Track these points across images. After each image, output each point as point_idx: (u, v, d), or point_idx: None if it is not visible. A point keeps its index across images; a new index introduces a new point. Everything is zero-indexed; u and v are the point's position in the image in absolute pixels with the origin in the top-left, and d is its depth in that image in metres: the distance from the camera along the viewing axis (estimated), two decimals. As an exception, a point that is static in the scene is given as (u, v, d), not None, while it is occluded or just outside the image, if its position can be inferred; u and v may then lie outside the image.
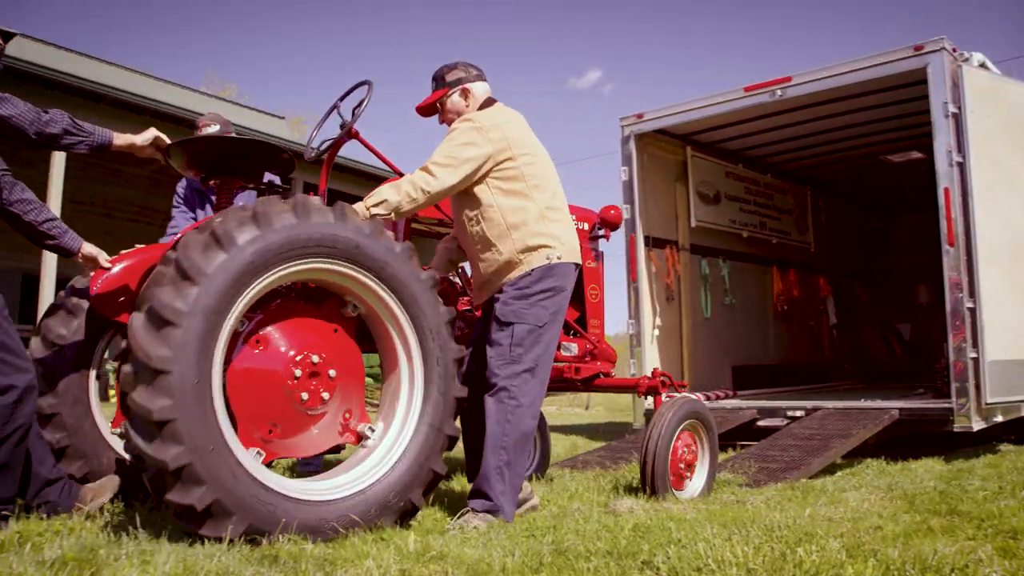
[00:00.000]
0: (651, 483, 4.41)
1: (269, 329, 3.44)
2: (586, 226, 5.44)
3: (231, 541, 2.95)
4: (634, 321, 8.62)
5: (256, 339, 3.39)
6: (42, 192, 10.74)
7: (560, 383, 5.18)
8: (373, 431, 3.61)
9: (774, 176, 11.08)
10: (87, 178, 14.35)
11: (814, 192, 11.93)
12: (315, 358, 3.46)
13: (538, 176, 4.08)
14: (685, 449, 4.64)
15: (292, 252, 3.26)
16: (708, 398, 8.72)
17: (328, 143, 4.37)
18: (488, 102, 4.24)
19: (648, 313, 8.74)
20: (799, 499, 4.50)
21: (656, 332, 8.79)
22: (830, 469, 5.87)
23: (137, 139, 4.02)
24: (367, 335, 3.76)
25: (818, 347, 12.20)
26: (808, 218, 11.75)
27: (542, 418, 5.54)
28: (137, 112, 12.61)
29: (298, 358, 3.42)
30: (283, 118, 24.34)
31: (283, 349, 3.42)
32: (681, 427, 4.60)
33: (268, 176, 4.40)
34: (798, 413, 7.35)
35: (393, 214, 3.86)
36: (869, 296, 13.44)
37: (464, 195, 4.05)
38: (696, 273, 9.82)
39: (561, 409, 17.04)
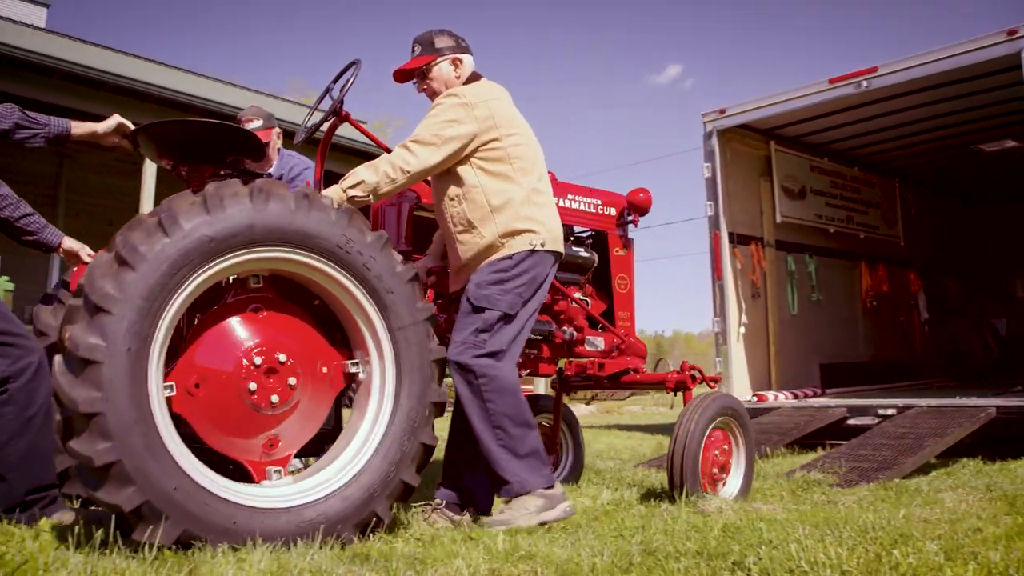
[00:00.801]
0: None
1: (196, 356, 3.10)
2: (613, 211, 5.12)
3: (323, 540, 2.98)
4: (719, 319, 8.54)
5: (195, 382, 3.05)
6: (135, 200, 11.07)
7: (586, 381, 4.95)
8: (358, 364, 3.36)
9: (861, 169, 10.85)
10: (179, 186, 14.75)
11: (903, 184, 11.64)
12: (258, 360, 3.13)
13: (524, 158, 3.85)
14: (717, 449, 4.29)
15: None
16: (796, 396, 8.61)
17: (315, 126, 4.18)
18: (474, 76, 4.00)
19: (734, 311, 8.66)
20: (893, 499, 4.40)
21: (742, 330, 8.71)
22: (924, 469, 5.72)
23: (99, 127, 3.81)
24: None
25: (909, 344, 11.90)
26: (897, 211, 11.47)
27: (573, 418, 5.33)
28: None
29: (242, 374, 3.11)
30: (365, 123, 24.65)
31: (227, 371, 3.11)
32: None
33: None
34: (889, 411, 7.18)
35: (371, 196, 3.64)
36: (962, 290, 13.05)
37: (446, 174, 3.82)
38: (782, 270, 9.67)
39: (646, 409, 16.94)
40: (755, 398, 8.45)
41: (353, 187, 3.61)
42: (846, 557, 2.73)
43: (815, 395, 8.90)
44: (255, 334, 3.19)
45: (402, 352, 3.30)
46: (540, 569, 2.71)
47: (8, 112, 3.60)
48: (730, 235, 8.72)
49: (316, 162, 4.30)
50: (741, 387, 8.63)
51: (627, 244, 5.18)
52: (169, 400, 2.95)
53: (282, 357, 3.18)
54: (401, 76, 4.08)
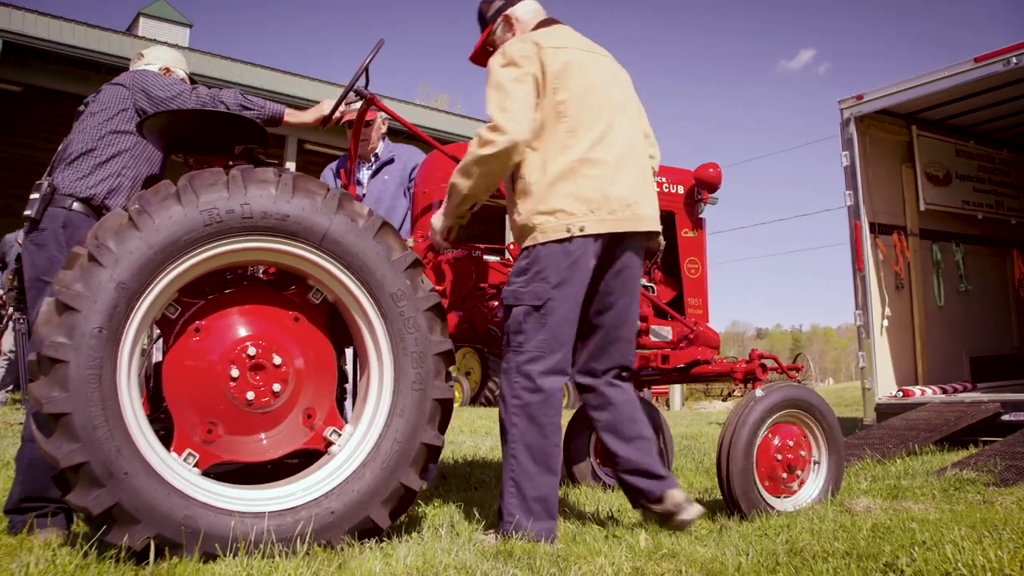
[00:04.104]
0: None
1: (185, 412, 2.98)
2: (681, 189, 4.69)
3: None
4: (861, 312, 8.31)
5: (206, 429, 2.99)
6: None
7: (650, 375, 4.57)
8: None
9: (1010, 151, 10.31)
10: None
11: (1058, 166, 11.00)
12: (235, 372, 3.00)
13: (579, 117, 3.33)
14: (784, 447, 3.82)
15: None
16: (944, 391, 8.29)
17: (333, 108, 3.99)
18: (544, 23, 3.55)
19: (876, 303, 8.42)
20: (1056, 500, 4.17)
21: (885, 323, 8.45)
22: (1089, 467, 5.41)
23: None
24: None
25: (1069, 334, 11.25)
26: (1052, 195, 10.86)
27: (654, 411, 5.01)
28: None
29: (234, 394, 3.00)
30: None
31: (222, 400, 3.00)
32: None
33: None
34: (1049, 406, 6.82)
35: (467, 202, 3.42)
36: None
37: None
38: (927, 259, 9.32)
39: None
40: (901, 393, 8.18)
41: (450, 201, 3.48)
42: (1008, 561, 2.61)
43: (965, 389, 8.55)
44: (214, 350, 3.04)
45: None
46: (684, 568, 2.69)
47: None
48: (871, 225, 8.47)
49: (350, 150, 4.20)
50: (886, 381, 8.37)
51: (697, 224, 4.77)
52: (197, 464, 2.93)
53: (252, 351, 3.05)
54: (477, 62, 3.78)
